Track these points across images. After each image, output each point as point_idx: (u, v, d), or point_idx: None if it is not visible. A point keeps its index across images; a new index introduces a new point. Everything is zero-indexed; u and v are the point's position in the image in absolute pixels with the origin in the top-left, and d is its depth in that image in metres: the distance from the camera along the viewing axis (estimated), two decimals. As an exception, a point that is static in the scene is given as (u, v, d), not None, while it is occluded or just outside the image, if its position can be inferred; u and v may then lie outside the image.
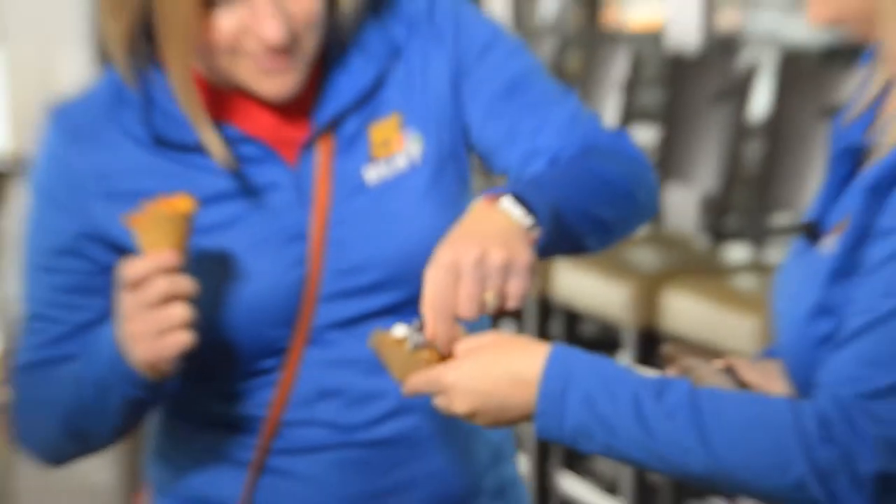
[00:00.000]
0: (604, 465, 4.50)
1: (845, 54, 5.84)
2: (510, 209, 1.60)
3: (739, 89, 4.34)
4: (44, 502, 4.90)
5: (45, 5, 7.09)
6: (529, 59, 1.83)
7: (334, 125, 1.77)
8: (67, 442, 1.83)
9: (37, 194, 1.84)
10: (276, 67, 1.70)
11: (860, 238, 1.42)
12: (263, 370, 1.79)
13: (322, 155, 1.76)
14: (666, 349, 1.63)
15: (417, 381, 1.54)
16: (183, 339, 1.63)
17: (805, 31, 7.02)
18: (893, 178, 1.39)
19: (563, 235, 1.66)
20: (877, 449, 1.36)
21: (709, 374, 1.59)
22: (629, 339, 3.83)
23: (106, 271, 1.77)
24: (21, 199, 5.15)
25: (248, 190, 1.75)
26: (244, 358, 1.78)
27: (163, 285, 1.61)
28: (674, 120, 4.61)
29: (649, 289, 3.80)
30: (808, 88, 4.15)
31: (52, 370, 1.80)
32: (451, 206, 1.79)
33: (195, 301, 1.67)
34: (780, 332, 1.55)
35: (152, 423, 1.89)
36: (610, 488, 4.12)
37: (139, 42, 1.74)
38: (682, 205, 4.98)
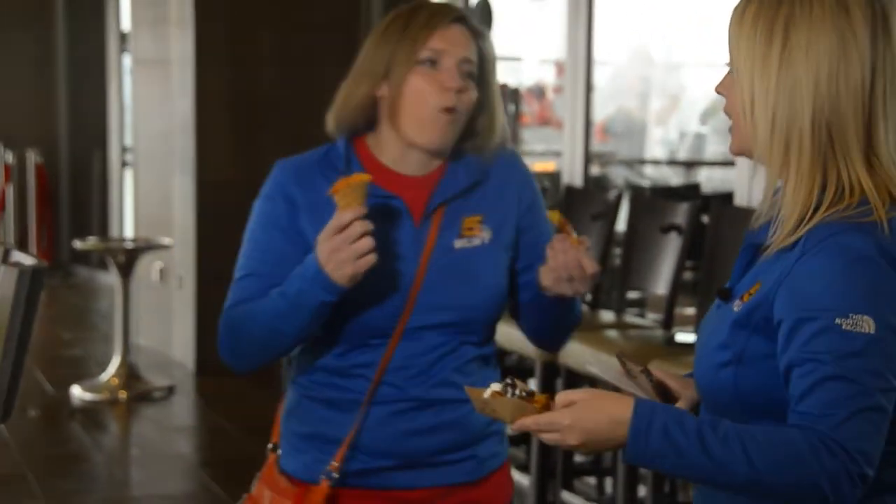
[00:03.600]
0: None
1: (669, 192, 6.50)
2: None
3: (611, 212, 4.70)
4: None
5: (163, 145, 7.24)
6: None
7: (444, 205, 2.08)
8: (264, 345, 2.00)
9: (264, 199, 2.10)
10: (445, 121, 2.01)
11: (758, 305, 1.57)
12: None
13: (433, 223, 2.07)
14: (617, 355, 1.76)
15: (530, 421, 1.58)
16: (371, 259, 1.91)
17: (641, 179, 8.17)
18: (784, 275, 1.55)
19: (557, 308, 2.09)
20: (860, 459, 1.48)
21: (637, 374, 1.70)
22: (538, 369, 4.23)
23: (296, 245, 2.03)
24: (144, 269, 6.65)
25: (392, 226, 2.05)
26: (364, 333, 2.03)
27: (359, 227, 1.90)
28: (568, 232, 4.84)
29: (551, 337, 4.00)
30: (648, 214, 4.46)
31: (254, 302, 2.03)
32: (502, 274, 2.10)
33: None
34: (697, 358, 1.66)
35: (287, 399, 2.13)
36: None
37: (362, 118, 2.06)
38: (572, 285, 5.32)
